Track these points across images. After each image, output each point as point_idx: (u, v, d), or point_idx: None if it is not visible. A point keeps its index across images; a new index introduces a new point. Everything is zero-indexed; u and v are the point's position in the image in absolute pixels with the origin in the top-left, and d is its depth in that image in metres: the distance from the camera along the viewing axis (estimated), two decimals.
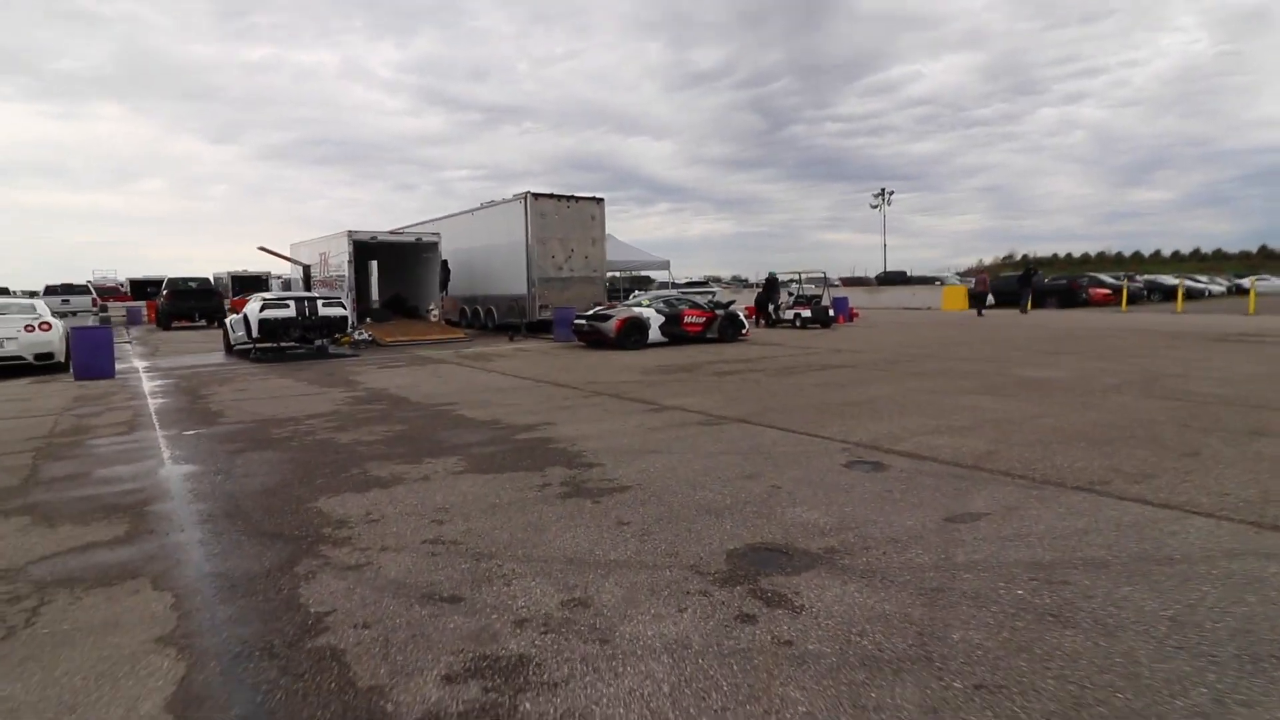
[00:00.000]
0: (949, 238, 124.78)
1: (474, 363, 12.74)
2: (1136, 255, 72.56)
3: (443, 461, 5.45)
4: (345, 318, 14.58)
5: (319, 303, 14.15)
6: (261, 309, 13.67)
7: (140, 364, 13.77)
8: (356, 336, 16.48)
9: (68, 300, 25.34)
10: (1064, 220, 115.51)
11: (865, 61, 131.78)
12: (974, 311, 24.26)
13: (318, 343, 14.74)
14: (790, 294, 21.13)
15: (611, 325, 14.34)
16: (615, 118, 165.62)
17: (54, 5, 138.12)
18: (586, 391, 8.99)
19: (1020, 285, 25.40)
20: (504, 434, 6.46)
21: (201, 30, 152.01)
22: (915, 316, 25.01)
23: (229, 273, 34.39)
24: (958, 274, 49.81)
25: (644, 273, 40.98)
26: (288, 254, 22.17)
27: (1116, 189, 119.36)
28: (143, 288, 35.97)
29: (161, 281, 27.62)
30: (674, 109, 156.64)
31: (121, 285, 40.57)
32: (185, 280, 26.66)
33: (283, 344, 14.32)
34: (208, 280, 27.62)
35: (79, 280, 29.63)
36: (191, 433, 6.87)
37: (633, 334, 14.48)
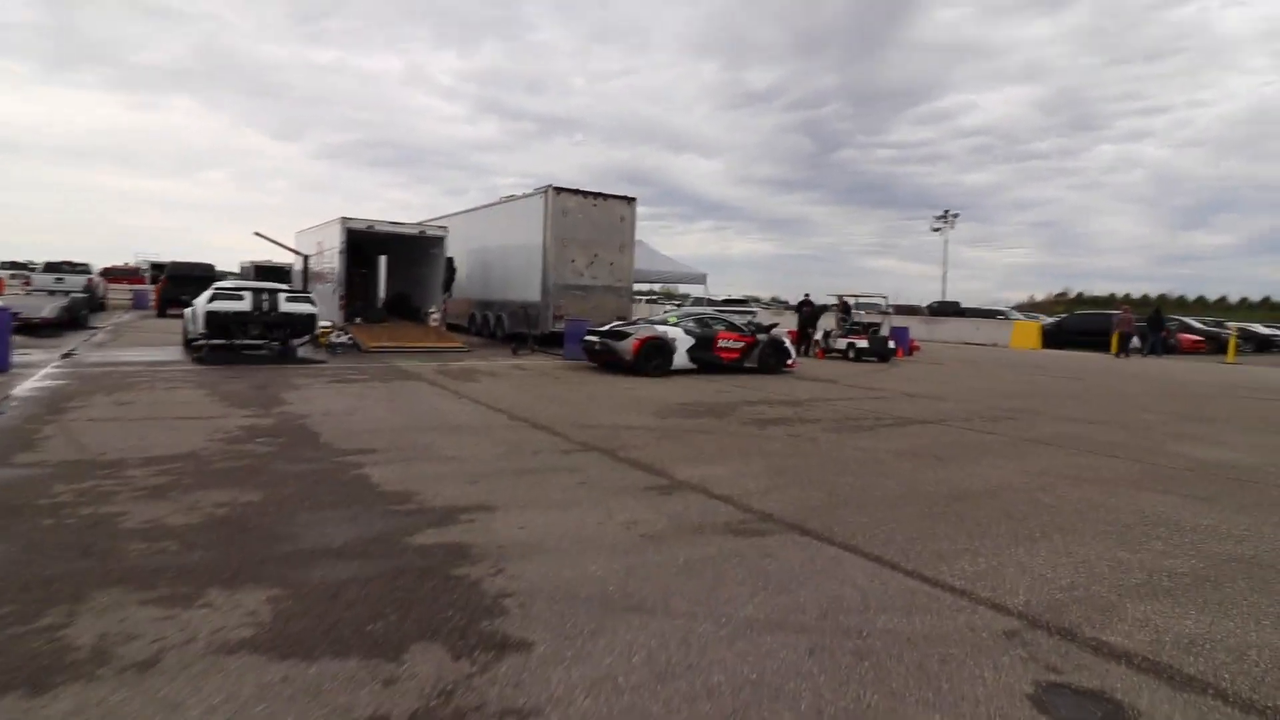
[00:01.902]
0: (997, 270, 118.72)
1: (452, 381, 10.23)
2: (1200, 299, 67.10)
3: (232, 605, 2.87)
4: (313, 315, 12.22)
5: (281, 296, 11.82)
6: (210, 299, 11.41)
7: (70, 355, 11.61)
8: (335, 339, 14.16)
9: (61, 279, 23.70)
10: (1119, 260, 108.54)
11: (920, 90, 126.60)
12: (1114, 354, 21.74)
13: (292, 343, 12.43)
14: (843, 319, 18.27)
15: (628, 346, 11.72)
16: (666, 134, 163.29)
17: (141, 0, 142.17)
18: (571, 442, 6.38)
19: (1151, 328, 22.71)
20: (398, 529, 3.87)
21: (276, 31, 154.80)
22: (982, 353, 21.85)
23: (253, 263, 32.75)
24: (1012, 307, 46.16)
25: (679, 286, 38.44)
26: (290, 243, 20.12)
27: (1175, 230, 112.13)
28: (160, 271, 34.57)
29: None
30: (724, 128, 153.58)
31: (143, 268, 39.39)
32: (186, 265, 24.94)
33: (238, 342, 12.03)
34: (210, 266, 25.79)
35: (125, 261, 27.96)
36: None
37: (654, 357, 11.84)
